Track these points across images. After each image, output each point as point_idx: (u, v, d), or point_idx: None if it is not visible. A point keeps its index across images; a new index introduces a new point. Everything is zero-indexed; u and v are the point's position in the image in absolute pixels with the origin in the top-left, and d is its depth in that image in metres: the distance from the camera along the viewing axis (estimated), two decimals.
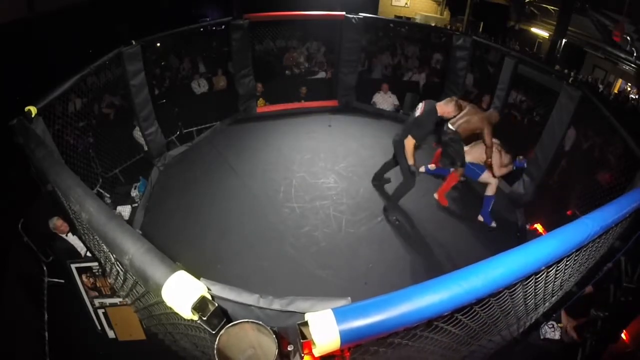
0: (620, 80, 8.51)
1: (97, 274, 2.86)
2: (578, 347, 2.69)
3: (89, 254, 2.95)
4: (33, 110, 2.64)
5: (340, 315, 0.81)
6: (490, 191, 4.13)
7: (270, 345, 0.91)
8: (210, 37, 8.30)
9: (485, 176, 4.13)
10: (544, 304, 1.72)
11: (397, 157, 3.95)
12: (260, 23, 6.27)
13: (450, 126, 3.96)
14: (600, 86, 8.55)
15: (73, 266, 2.85)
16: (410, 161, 3.72)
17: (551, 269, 1.24)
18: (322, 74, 7.68)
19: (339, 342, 0.80)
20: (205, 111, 5.94)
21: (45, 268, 3.33)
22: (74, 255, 3.11)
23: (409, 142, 3.67)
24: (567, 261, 1.27)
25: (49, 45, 7.21)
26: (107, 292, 2.92)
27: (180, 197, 4.44)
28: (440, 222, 4.18)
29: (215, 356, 0.89)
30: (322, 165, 5.00)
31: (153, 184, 4.68)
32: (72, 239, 3.28)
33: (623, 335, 2.54)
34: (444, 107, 3.67)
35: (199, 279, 1.00)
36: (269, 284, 3.36)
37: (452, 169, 4.19)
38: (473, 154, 4.17)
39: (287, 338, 0.99)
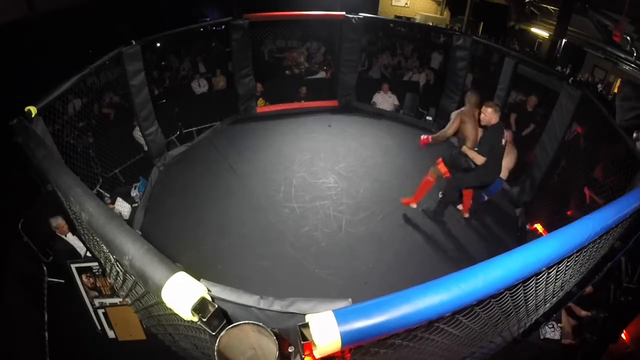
0: (620, 80, 8.50)
1: (97, 274, 2.86)
2: (578, 347, 2.69)
3: (88, 254, 2.95)
4: (33, 110, 2.63)
5: (341, 316, 0.81)
6: None
7: (270, 346, 0.91)
8: (210, 37, 8.30)
9: None
10: (545, 305, 1.72)
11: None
12: (260, 23, 6.27)
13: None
14: (600, 86, 8.54)
15: (73, 266, 2.85)
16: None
17: (552, 269, 1.24)
18: (322, 74, 7.68)
19: (340, 343, 0.80)
20: (205, 111, 5.94)
21: (45, 268, 3.33)
22: (74, 255, 3.11)
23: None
24: (567, 262, 1.27)
25: (49, 45, 7.20)
26: (107, 292, 2.92)
27: (180, 197, 4.44)
28: (440, 222, 4.18)
29: (216, 357, 0.89)
30: (322, 165, 5.00)
31: (153, 184, 4.68)
32: (72, 239, 3.28)
33: (623, 335, 2.54)
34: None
35: (199, 279, 1.00)
36: (269, 284, 3.36)
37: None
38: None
39: (288, 339, 0.99)
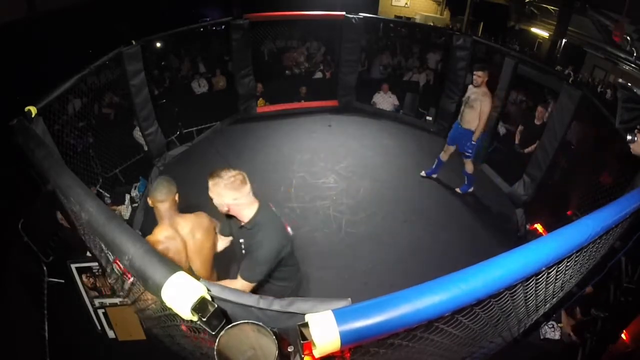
0: (620, 80, 8.50)
1: (97, 274, 2.86)
2: (578, 347, 2.69)
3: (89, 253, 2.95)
4: (33, 110, 2.63)
5: (341, 316, 0.81)
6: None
7: (270, 346, 0.91)
8: (210, 37, 8.31)
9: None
10: (545, 305, 1.72)
11: None
12: (261, 23, 6.27)
13: None
14: (596, 84, 8.55)
15: (73, 266, 2.85)
16: None
17: (552, 270, 1.24)
18: (321, 74, 7.68)
19: (339, 343, 0.80)
20: (205, 111, 5.94)
21: (45, 268, 3.32)
22: (77, 248, 3.08)
23: None
24: (567, 262, 1.27)
25: (49, 45, 7.21)
26: (107, 292, 2.91)
27: (180, 197, 4.42)
28: (440, 222, 4.18)
29: (216, 357, 0.89)
30: (322, 165, 4.99)
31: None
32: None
33: (623, 336, 2.54)
34: None
35: (198, 279, 1.00)
36: None
37: None
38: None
39: (288, 339, 0.99)
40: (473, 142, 4.20)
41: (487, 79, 4.03)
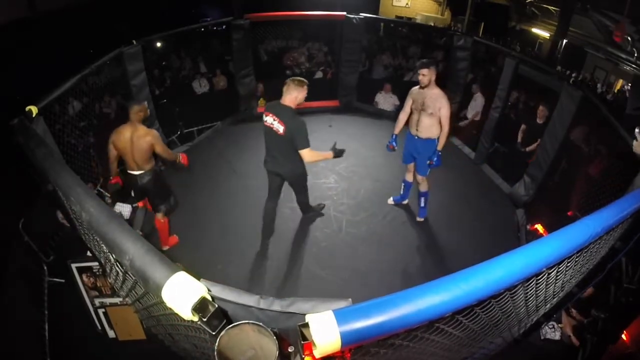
0: (621, 81, 8.49)
1: (97, 273, 2.86)
2: (578, 348, 2.69)
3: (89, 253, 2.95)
4: (34, 110, 2.64)
5: (341, 316, 0.81)
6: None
7: (270, 346, 0.91)
8: (211, 37, 8.31)
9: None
10: (545, 305, 1.72)
11: None
12: (261, 23, 6.28)
13: None
14: (598, 85, 8.54)
15: (73, 266, 2.85)
16: None
17: (552, 270, 1.24)
18: (322, 74, 7.67)
19: (340, 343, 0.79)
20: (206, 111, 5.95)
21: (45, 268, 3.33)
22: (77, 249, 3.09)
23: None
24: (568, 262, 1.27)
25: (50, 45, 7.22)
26: (107, 291, 2.92)
27: (181, 197, 4.43)
28: (441, 223, 4.18)
29: (216, 357, 0.89)
30: (322, 165, 4.99)
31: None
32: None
33: (623, 336, 2.53)
34: None
35: (199, 279, 1.00)
36: (269, 283, 3.36)
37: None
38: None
39: (288, 339, 0.99)
40: (439, 151, 3.68)
41: (434, 77, 3.46)
